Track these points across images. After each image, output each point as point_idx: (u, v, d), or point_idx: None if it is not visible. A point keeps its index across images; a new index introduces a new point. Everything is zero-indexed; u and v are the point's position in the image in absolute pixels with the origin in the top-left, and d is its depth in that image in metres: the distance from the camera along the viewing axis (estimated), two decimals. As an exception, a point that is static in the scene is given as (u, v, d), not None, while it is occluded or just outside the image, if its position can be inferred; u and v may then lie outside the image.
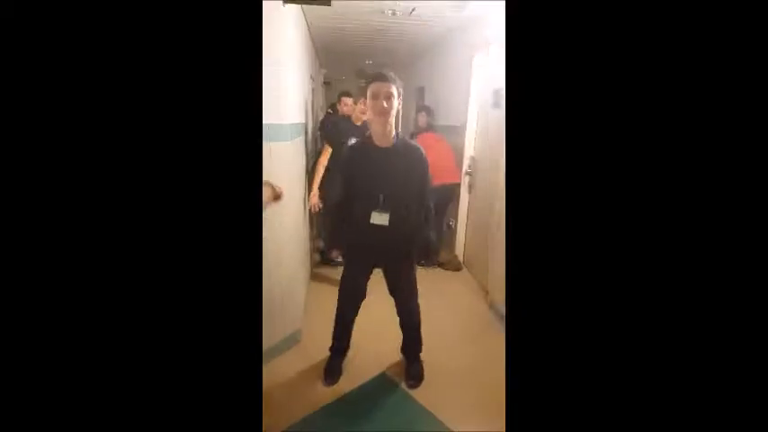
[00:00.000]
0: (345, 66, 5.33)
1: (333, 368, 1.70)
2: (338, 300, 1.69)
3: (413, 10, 2.52)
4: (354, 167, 1.49)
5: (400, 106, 1.40)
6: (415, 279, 1.65)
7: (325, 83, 6.07)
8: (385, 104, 1.32)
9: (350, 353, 1.80)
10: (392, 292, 1.65)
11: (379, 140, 1.43)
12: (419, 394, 1.62)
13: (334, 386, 1.64)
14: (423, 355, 1.75)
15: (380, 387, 1.67)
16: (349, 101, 2.78)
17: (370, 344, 1.91)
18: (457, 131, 2.94)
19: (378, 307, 1.82)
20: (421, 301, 1.70)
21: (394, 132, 1.42)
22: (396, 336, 1.76)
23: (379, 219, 1.45)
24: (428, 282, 1.68)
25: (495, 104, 2.48)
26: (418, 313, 1.69)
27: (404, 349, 1.77)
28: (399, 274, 1.61)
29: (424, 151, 1.50)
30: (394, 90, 1.34)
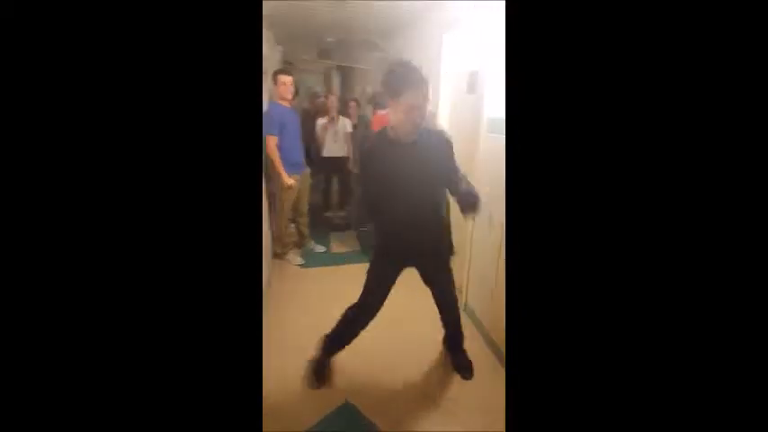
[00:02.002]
0: (307, 43, 4.92)
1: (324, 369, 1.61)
2: (359, 304, 1.52)
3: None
4: (378, 169, 1.33)
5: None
6: (450, 270, 1.55)
7: (285, 62, 5.62)
8: (419, 119, 1.21)
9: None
10: (427, 283, 1.56)
11: (404, 136, 1.28)
12: (383, 418, 1.44)
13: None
14: (398, 361, 1.72)
15: (345, 417, 1.48)
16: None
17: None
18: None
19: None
20: (396, 301, 1.55)
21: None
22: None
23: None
24: (400, 282, 1.54)
25: (470, 89, 2.25)
26: (457, 303, 1.64)
27: (447, 342, 1.74)
28: (435, 268, 1.52)
29: (447, 134, 1.41)
30: (427, 101, 1.22)
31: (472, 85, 2.22)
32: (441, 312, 1.63)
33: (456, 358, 1.70)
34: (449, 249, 1.52)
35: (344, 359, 1.78)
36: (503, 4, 1.66)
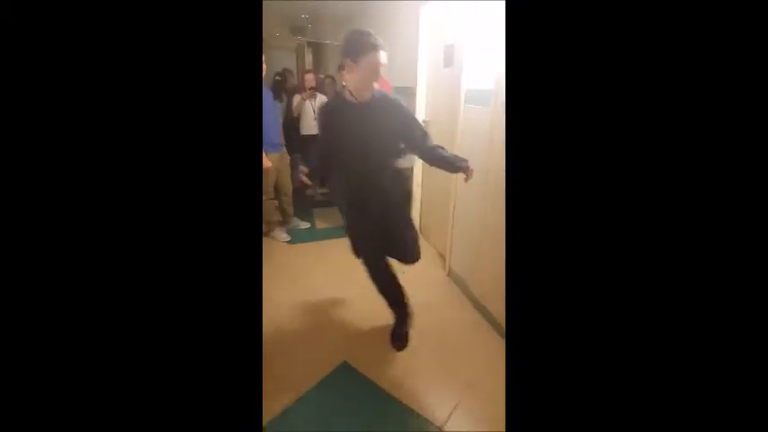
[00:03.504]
0: (283, 20, 4.78)
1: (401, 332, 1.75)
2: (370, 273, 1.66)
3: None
4: (333, 128, 1.47)
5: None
6: (410, 217, 1.71)
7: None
8: (373, 79, 1.36)
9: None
10: (389, 229, 1.62)
11: (358, 96, 1.40)
12: (381, 376, 1.55)
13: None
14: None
15: (344, 377, 1.58)
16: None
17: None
18: (407, 93, 2.74)
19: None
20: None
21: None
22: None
23: None
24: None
25: (447, 63, 2.31)
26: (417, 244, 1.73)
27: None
28: (397, 214, 1.63)
29: (403, 101, 1.51)
30: (384, 59, 1.34)
31: (449, 59, 2.27)
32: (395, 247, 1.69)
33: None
34: (407, 196, 1.69)
35: (340, 321, 1.87)
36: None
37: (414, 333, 1.80)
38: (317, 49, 7.19)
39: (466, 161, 1.51)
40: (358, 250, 1.66)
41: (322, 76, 3.75)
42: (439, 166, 1.57)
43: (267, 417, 1.34)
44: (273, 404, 1.40)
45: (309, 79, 3.36)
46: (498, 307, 1.78)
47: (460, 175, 1.53)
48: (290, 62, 7.29)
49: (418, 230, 2.94)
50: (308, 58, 7.39)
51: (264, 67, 2.44)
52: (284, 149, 2.73)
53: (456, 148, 2.03)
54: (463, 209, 2.11)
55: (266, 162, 2.47)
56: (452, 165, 1.52)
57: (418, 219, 2.99)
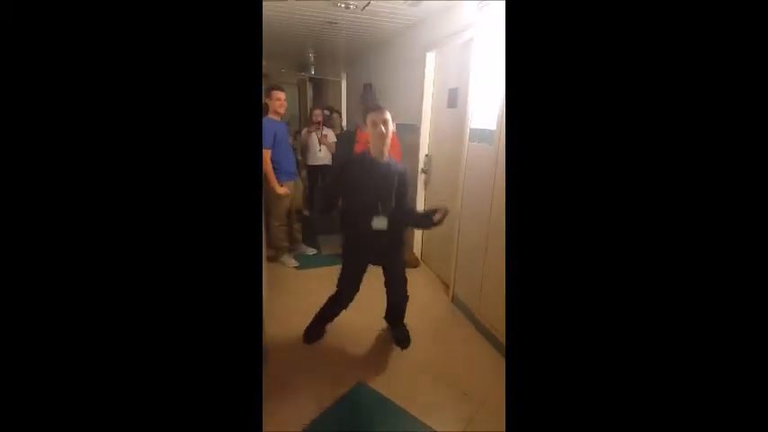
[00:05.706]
0: (289, 58, 5.08)
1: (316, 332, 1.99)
2: (335, 297, 1.88)
3: (367, 4, 2.47)
4: (353, 178, 1.69)
5: (394, 128, 1.69)
6: (405, 270, 1.92)
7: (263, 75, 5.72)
8: (383, 129, 1.63)
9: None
10: (387, 282, 1.91)
11: (377, 155, 1.68)
12: (396, 395, 1.63)
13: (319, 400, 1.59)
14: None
15: (362, 396, 1.66)
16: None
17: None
18: (411, 130, 2.95)
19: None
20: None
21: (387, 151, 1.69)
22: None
23: (380, 224, 1.69)
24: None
25: (451, 104, 2.53)
26: (406, 295, 1.95)
27: (388, 317, 2.05)
28: (393, 269, 1.89)
29: (405, 169, 1.81)
30: (389, 117, 1.64)
31: (453, 101, 2.50)
32: (389, 292, 1.94)
33: (395, 331, 2.04)
34: (401, 246, 1.90)
35: (351, 342, 1.95)
36: (478, 31, 1.96)
37: (423, 355, 1.91)
38: (318, 83, 7.55)
39: (435, 214, 1.68)
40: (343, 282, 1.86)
41: (328, 111, 3.98)
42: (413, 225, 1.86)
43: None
44: (291, 425, 1.46)
45: (317, 114, 3.59)
46: (502, 330, 1.90)
47: (464, 207, 1.69)
48: (291, 95, 7.60)
49: (419, 259, 3.09)
50: (309, 93, 7.74)
51: (285, 104, 2.64)
52: (298, 178, 2.88)
53: (461, 180, 2.22)
54: (466, 239, 2.27)
55: (282, 190, 2.61)
56: (425, 220, 1.72)
57: (420, 248, 3.14)
